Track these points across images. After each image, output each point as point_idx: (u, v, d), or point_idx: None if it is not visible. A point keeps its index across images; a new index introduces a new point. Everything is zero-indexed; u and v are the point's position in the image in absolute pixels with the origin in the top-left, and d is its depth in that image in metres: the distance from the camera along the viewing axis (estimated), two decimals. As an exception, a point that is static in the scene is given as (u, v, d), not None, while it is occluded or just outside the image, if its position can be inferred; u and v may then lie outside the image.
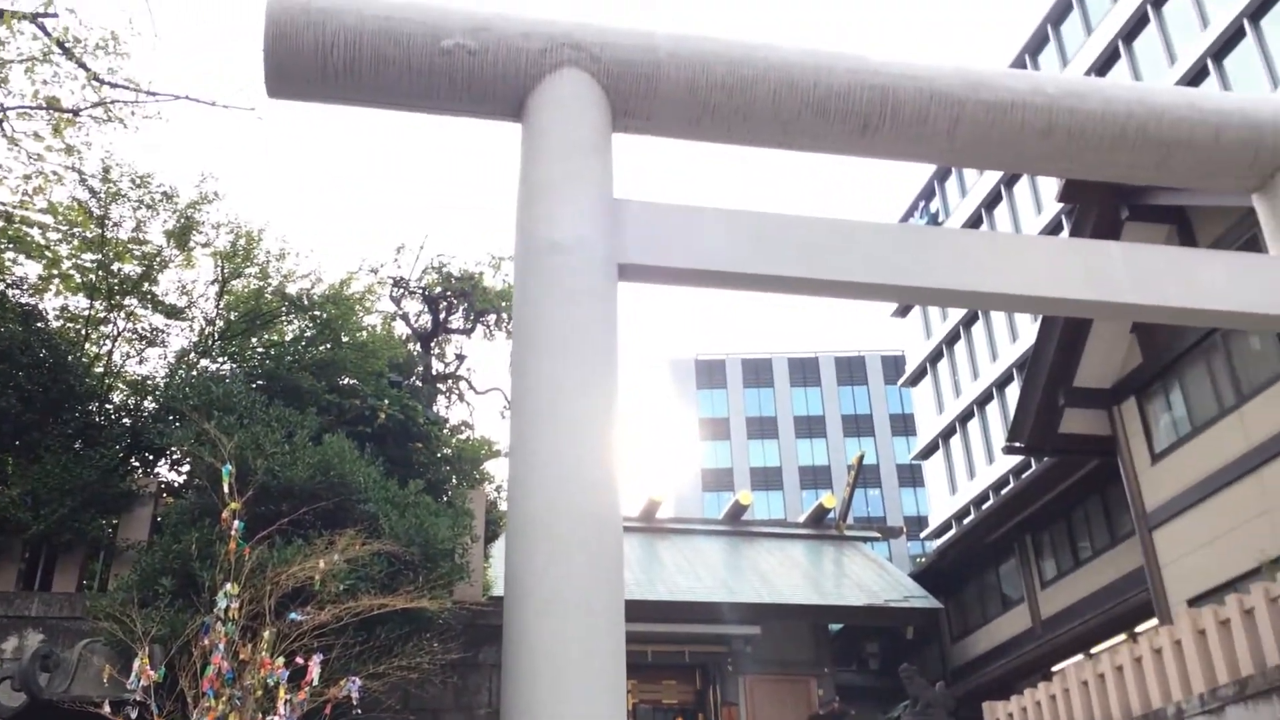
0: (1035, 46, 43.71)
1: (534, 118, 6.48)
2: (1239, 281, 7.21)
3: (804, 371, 67.46)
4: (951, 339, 48.18)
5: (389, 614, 8.22)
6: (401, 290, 15.58)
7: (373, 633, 8.29)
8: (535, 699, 4.96)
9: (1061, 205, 33.78)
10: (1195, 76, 33.39)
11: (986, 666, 21.53)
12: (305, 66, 6.00)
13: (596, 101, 6.57)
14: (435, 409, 14.40)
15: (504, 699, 5.01)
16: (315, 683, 7.37)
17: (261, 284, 11.73)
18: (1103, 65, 38.20)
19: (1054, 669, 18.23)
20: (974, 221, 45.44)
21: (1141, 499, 14.95)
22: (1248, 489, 12.88)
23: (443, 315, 15.87)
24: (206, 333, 11.55)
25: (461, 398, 16.30)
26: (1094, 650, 17.20)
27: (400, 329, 15.47)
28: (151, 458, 10.94)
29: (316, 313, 11.40)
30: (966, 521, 28.73)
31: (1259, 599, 10.10)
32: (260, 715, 7.07)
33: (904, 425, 62.55)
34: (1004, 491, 27.12)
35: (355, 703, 7.60)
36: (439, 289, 15.62)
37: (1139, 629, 15.94)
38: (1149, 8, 36.17)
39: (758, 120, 6.86)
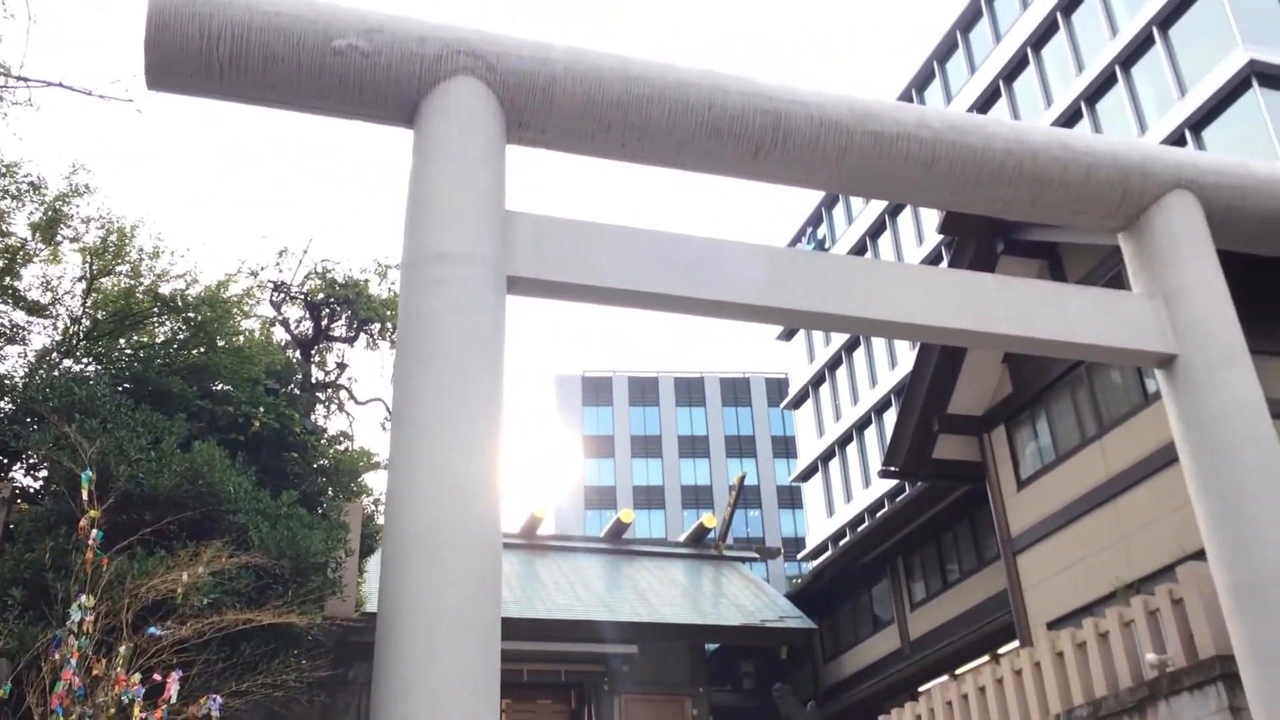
0: (921, 82, 45.27)
1: (427, 124, 6.41)
2: (1103, 316, 7.57)
3: (690, 391, 68.15)
4: (834, 363, 49.31)
5: (255, 629, 7.98)
6: (282, 295, 15.24)
7: (237, 649, 8.03)
8: (406, 717, 4.94)
9: (942, 237, 35.00)
10: (1070, 118, 35.07)
11: (857, 686, 21.91)
12: (188, 59, 5.81)
13: (491, 112, 6.53)
14: (313, 418, 14.11)
15: (374, 718, 4.98)
16: (173, 700, 7.10)
17: (133, 283, 11.34)
18: (984, 103, 39.84)
19: (921, 689, 18.70)
20: (859, 249, 46.69)
21: (1007, 524, 15.49)
22: (1105, 516, 13.48)
23: (325, 322, 15.58)
24: (71, 332, 11.09)
25: (341, 408, 16.02)
26: (959, 671, 17.61)
27: (280, 335, 15.17)
28: (6, 461, 10.41)
29: (191, 315, 11.05)
30: (842, 543, 29.32)
31: (1113, 623, 10.56)
32: (113, 734, 6.76)
33: (785, 447, 63.71)
34: (879, 514, 28.01)
35: (215, 721, 7.34)
36: (322, 295, 15.33)
37: (1002, 650, 16.47)
38: (1029, 50, 37.87)
39: (652, 139, 6.93)
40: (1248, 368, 7.26)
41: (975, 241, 14.52)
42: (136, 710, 6.86)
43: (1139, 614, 10.20)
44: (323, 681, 8.99)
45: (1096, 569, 13.37)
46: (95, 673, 6.88)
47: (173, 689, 7.08)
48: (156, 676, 7.13)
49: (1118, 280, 11.99)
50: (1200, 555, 7.86)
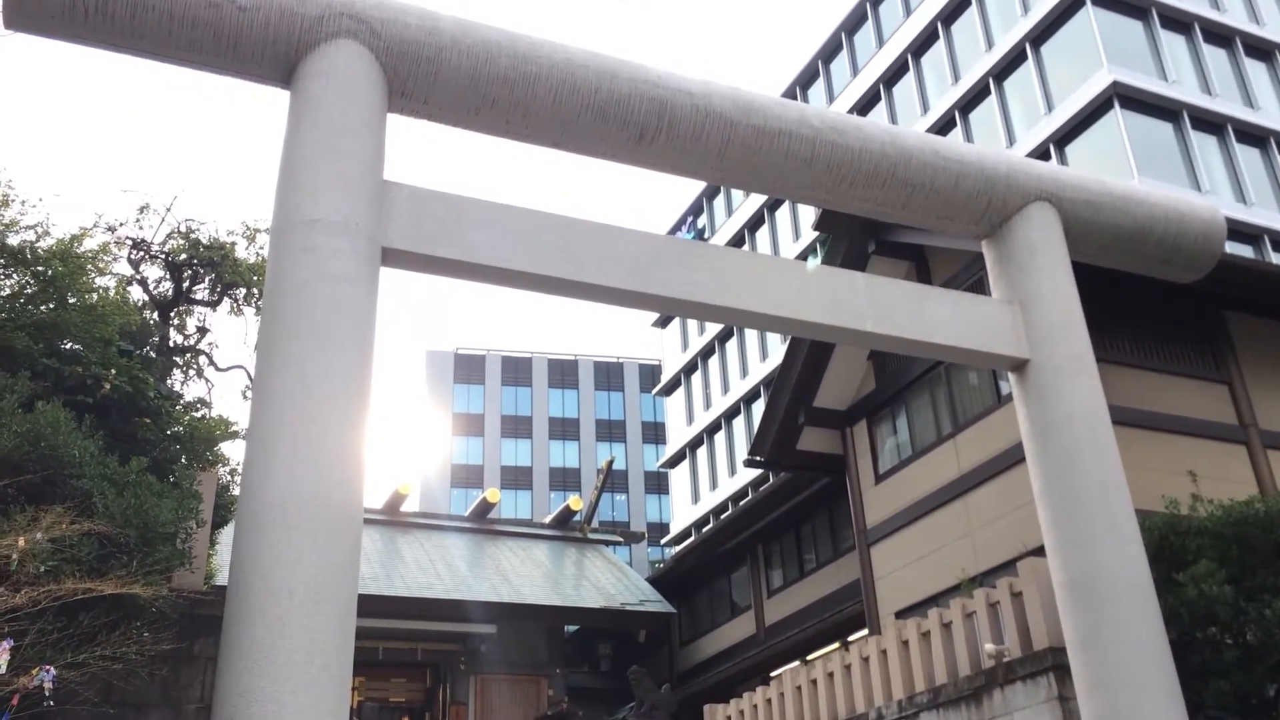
0: (806, 80, 46.11)
1: (304, 86, 6.23)
2: (962, 319, 7.90)
3: (563, 373, 68.10)
4: (707, 352, 49.96)
5: (95, 599, 7.63)
6: (142, 253, 14.58)
7: (75, 619, 7.63)
8: (251, 692, 4.75)
9: (817, 234, 35.78)
10: (944, 126, 36.24)
11: (712, 670, 22.20)
12: (50, 0, 5.49)
13: (372, 78, 6.39)
14: (169, 383, 13.56)
15: (218, 692, 4.87)
16: (2, 670, 6.75)
17: (-24, 231, 10.68)
18: (865, 105, 40.81)
19: (774, 674, 19.11)
20: (737, 241, 47.34)
21: (864, 516, 16.00)
22: (955, 512, 14.06)
23: (186, 284, 14.97)
24: (-97, 279, 10.40)
25: (200, 374, 15.42)
26: (811, 657, 18.01)
27: (137, 295, 14.49)
28: None
29: (40, 269, 10.48)
30: (705, 530, 29.57)
31: (956, 613, 11.04)
32: (-65, 706, 6.42)
33: (655, 433, 64.33)
34: (741, 503, 28.30)
35: (48, 694, 7.05)
36: (184, 256, 14.72)
37: (852, 638, 16.82)
38: (910, 56, 38.97)
39: (538, 118, 6.90)
40: (1093, 376, 7.68)
41: (848, 240, 14.90)
42: (-38, 680, 6.54)
43: (980, 606, 10.68)
44: (166, 655, 8.53)
45: (944, 562, 13.92)
46: (-84, 640, 6.55)
47: (2, 658, 6.74)
48: (-15, 646, 6.79)
49: (980, 285, 12.46)
50: (1041, 551, 8.27)
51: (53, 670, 7.05)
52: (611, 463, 26.97)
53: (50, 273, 10.49)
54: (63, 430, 8.61)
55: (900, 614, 14.48)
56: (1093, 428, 7.59)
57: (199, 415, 12.75)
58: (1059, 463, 7.62)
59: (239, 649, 5.06)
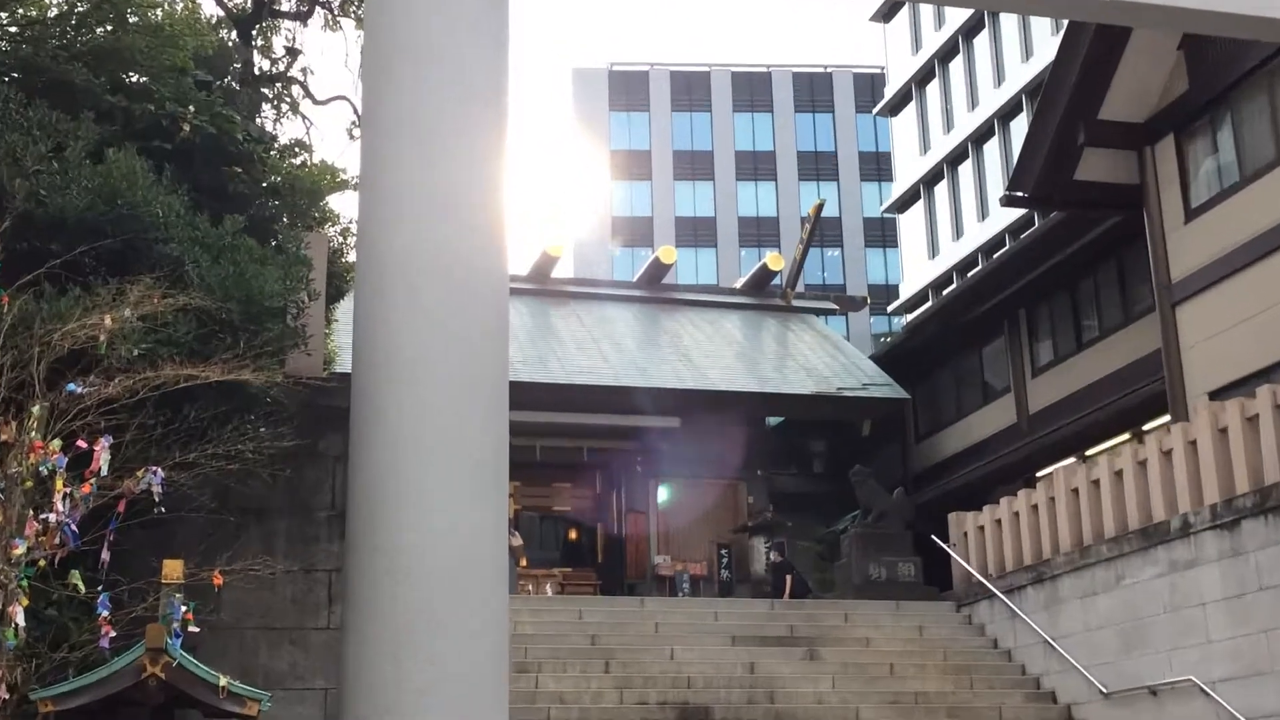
0: None
1: None
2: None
3: (752, 91, 66.81)
4: (946, 53, 48.01)
5: (200, 388, 8.07)
6: (209, -47, 14.77)
7: (179, 411, 8.16)
8: (391, 499, 4.92)
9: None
10: None
11: (956, 471, 22.54)
12: None
13: None
14: (259, 121, 13.80)
15: (351, 496, 5.09)
16: (103, 472, 7.30)
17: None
18: None
19: (1040, 474, 19.22)
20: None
21: (1167, 266, 15.48)
22: (1301, 258, 13.43)
23: (268, -8, 15.11)
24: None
25: (295, 108, 15.79)
26: (1091, 452, 18.04)
27: (210, 9, 14.65)
28: None
29: (90, -22, 10.78)
30: (947, 292, 29.69)
31: (1297, 392, 10.70)
32: (32, 511, 7.03)
33: (876, 167, 63.04)
34: (997, 255, 27.90)
35: (157, 499, 7.59)
36: (262, -47, 14.82)
37: (1148, 426, 16.87)
38: None
39: None
40: None
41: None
42: (59, 483, 7.08)
43: (1332, 382, 10.30)
44: (288, 454, 8.99)
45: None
46: (4, 438, 7.10)
47: (102, 458, 7.30)
48: (81, 443, 7.31)
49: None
50: None
51: (160, 472, 7.60)
52: (821, 207, 26.75)
53: (102, -17, 10.69)
54: (141, 184, 8.97)
55: (1215, 394, 14.19)
56: None
57: (299, 162, 13.06)
58: None
59: (371, 447, 5.25)
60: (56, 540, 7.08)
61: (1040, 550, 14.96)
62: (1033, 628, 14.72)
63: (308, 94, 15.78)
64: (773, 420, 23.93)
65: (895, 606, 17.56)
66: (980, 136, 45.78)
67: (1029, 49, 43.19)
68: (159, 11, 11.47)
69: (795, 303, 25.39)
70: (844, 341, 24.91)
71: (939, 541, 18.26)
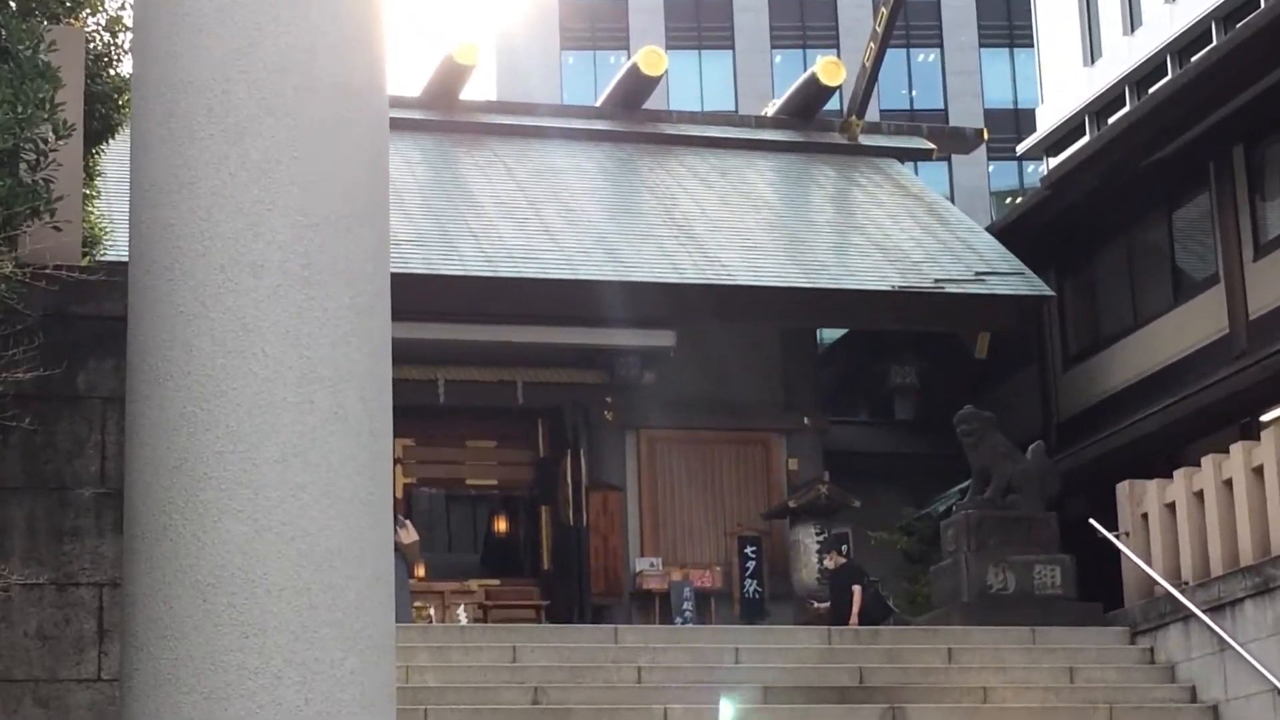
0: None
1: None
2: None
3: None
4: None
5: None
6: None
7: None
8: (200, 466, 4.18)
9: None
10: None
11: (1129, 415, 18.95)
12: None
13: None
14: None
15: (132, 462, 4.43)
16: None
17: None
18: None
19: (1266, 418, 16.80)
20: None
21: None
22: None
23: None
24: None
25: None
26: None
27: None
28: None
29: None
30: (1114, 120, 24.16)
31: None
32: None
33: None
34: (1197, 58, 22.18)
35: None
36: None
37: None
38: None
39: None
40: None
41: None
42: None
43: None
44: (25, 392, 7.19)
45: None
46: None
47: None
48: None
49: None
50: None
51: None
52: (902, -12, 22.10)
53: None
54: None
55: None
56: None
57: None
58: None
59: (165, 377, 4.27)
60: None
61: (1268, 542, 13.76)
62: (1257, 669, 13.14)
63: None
64: (829, 335, 21.41)
65: (1031, 635, 15.60)
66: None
67: None
68: None
69: (864, 140, 21.74)
70: (946, 203, 21.34)
71: (1101, 529, 16.10)
